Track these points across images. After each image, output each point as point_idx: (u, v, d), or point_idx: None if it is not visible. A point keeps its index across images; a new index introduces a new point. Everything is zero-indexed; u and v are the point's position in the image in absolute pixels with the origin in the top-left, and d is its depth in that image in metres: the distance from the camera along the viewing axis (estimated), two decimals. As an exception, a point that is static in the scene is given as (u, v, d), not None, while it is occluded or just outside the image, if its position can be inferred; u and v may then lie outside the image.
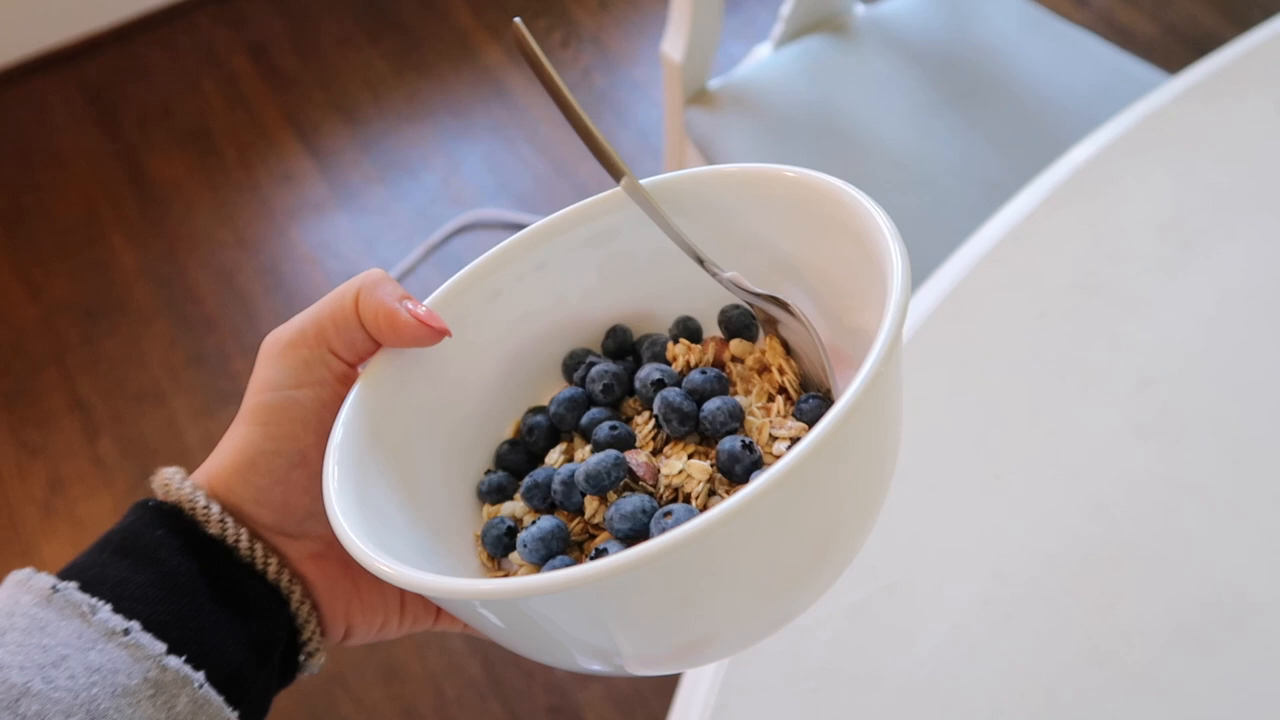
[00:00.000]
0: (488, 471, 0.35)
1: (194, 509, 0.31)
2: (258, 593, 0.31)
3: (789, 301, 0.33)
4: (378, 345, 0.33)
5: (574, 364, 0.37)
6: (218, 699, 0.28)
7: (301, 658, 0.33)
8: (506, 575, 0.32)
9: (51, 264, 1.60)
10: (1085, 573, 0.51)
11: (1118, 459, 0.54)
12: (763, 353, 0.35)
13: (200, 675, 0.28)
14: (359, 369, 0.33)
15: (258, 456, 0.31)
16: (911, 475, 0.41)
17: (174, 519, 0.31)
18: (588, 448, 0.33)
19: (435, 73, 1.79)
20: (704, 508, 0.30)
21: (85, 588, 0.28)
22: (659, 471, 0.31)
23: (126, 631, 0.27)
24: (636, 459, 0.31)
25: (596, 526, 0.31)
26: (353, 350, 0.32)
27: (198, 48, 1.86)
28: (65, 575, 0.29)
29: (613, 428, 0.33)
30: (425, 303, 0.34)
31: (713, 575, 0.25)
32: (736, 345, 0.35)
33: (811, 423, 0.32)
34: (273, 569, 0.32)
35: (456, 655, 1.21)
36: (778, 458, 0.31)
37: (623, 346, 0.37)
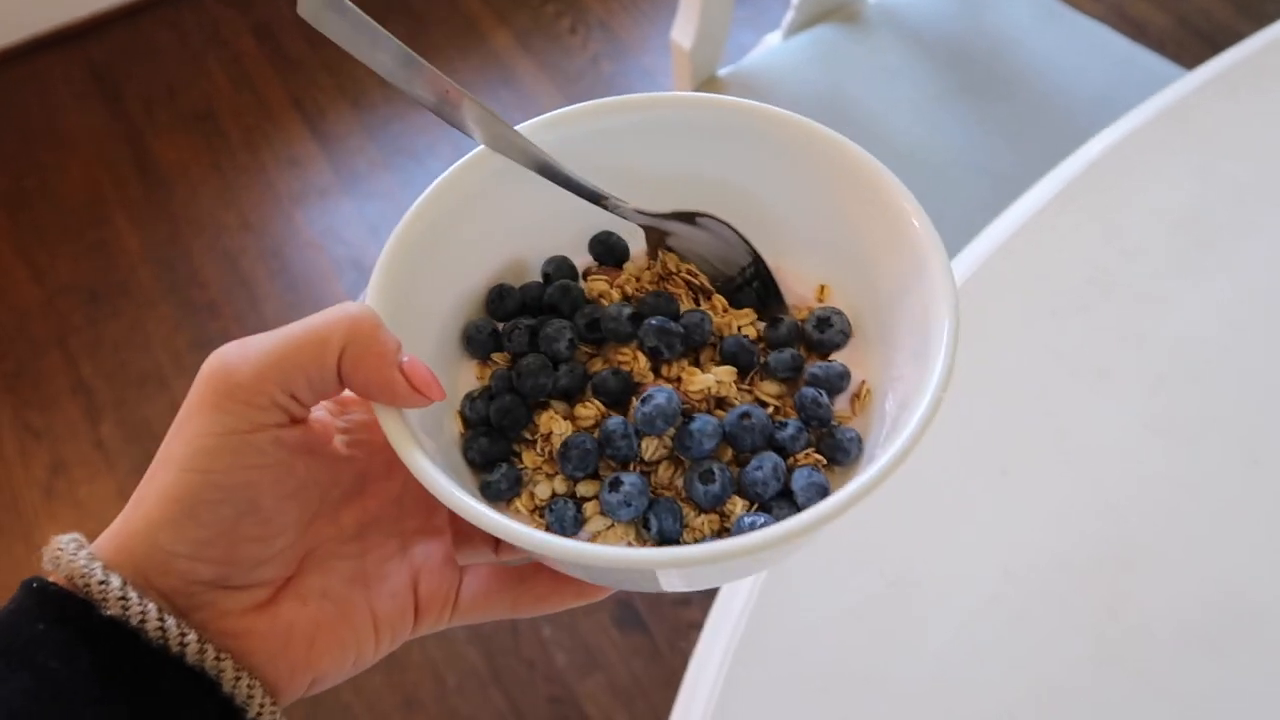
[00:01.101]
0: (488, 470, 0.33)
1: (89, 585, 0.26)
2: (173, 683, 0.26)
3: (698, 211, 0.36)
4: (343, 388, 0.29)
5: (484, 337, 0.35)
6: None
7: None
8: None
9: (55, 246, 1.59)
10: (1095, 572, 0.50)
11: (1130, 458, 0.54)
12: (655, 266, 0.37)
13: None
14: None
15: (197, 505, 0.27)
16: (921, 472, 0.40)
17: (58, 604, 0.26)
18: (585, 405, 0.33)
19: (443, 58, 1.78)
20: (741, 403, 0.33)
21: None
22: (685, 392, 0.33)
23: None
24: (664, 388, 0.33)
25: (650, 464, 0.33)
26: (317, 398, 0.28)
27: (204, 28, 1.85)
28: None
29: (614, 373, 0.34)
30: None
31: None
32: (630, 268, 0.37)
33: (753, 306, 0.36)
34: (192, 650, 0.26)
35: (457, 644, 1.21)
36: (756, 340, 0.35)
37: (520, 305, 0.36)
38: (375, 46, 0.30)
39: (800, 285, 0.37)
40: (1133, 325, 0.58)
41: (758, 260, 0.36)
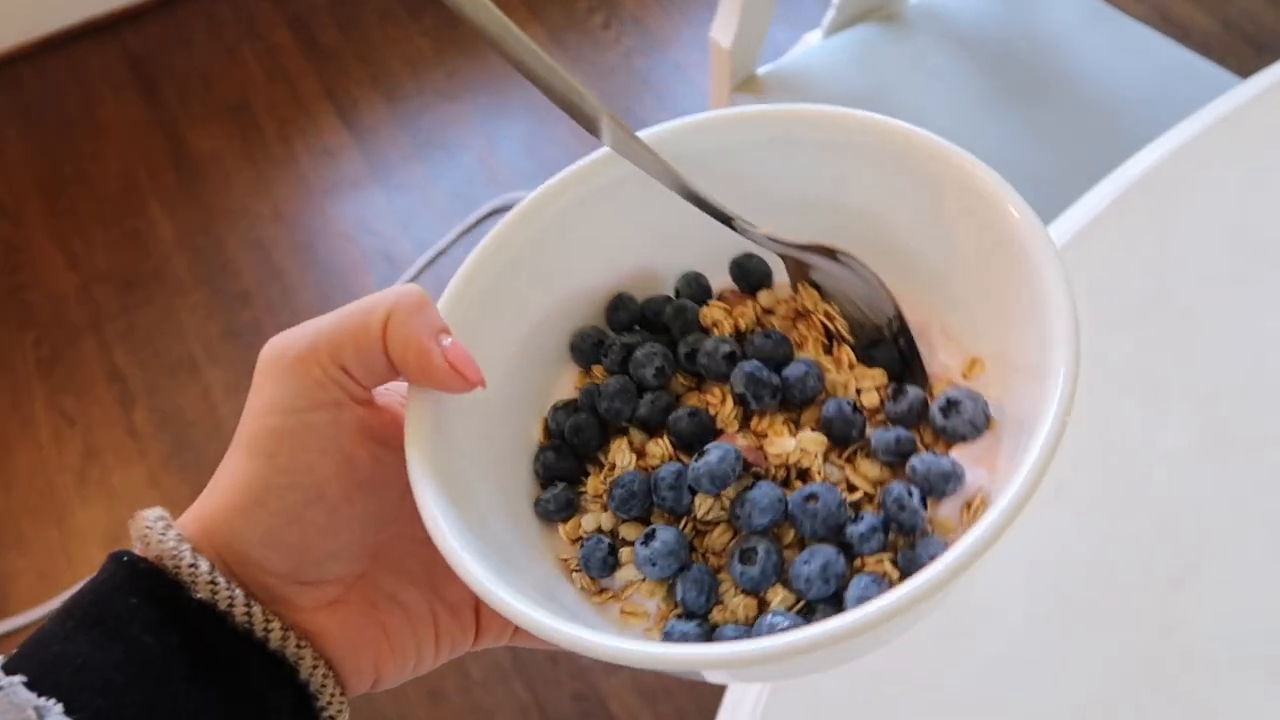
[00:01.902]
0: (544, 486, 0.32)
1: (179, 566, 0.26)
2: (256, 666, 0.27)
3: (837, 247, 0.32)
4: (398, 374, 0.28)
5: (589, 346, 0.33)
6: None
7: None
8: (613, 595, 0.30)
9: (91, 233, 1.61)
10: (1145, 591, 0.49)
11: (1182, 475, 0.53)
12: (793, 300, 0.33)
13: None
14: (375, 390, 0.30)
15: (266, 492, 0.27)
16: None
17: (150, 581, 0.26)
18: (658, 441, 0.31)
19: (475, 51, 1.78)
20: (826, 480, 0.29)
21: (39, 678, 0.24)
22: (762, 452, 0.29)
23: None
24: (740, 445, 0.29)
25: (706, 523, 0.29)
26: (370, 375, 0.28)
27: (239, 20, 1.86)
28: (23, 655, 0.25)
29: (692, 414, 0.30)
30: (439, 305, 0.29)
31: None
32: (764, 297, 0.34)
33: (886, 366, 0.31)
34: (275, 635, 0.27)
35: (483, 638, 1.21)
36: (872, 410, 0.30)
37: (634, 317, 0.34)
38: (516, 45, 0.29)
39: (950, 353, 0.31)
40: (1186, 339, 0.57)
41: (902, 314, 0.32)
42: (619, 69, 1.73)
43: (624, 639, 0.24)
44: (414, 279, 1.49)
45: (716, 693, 0.49)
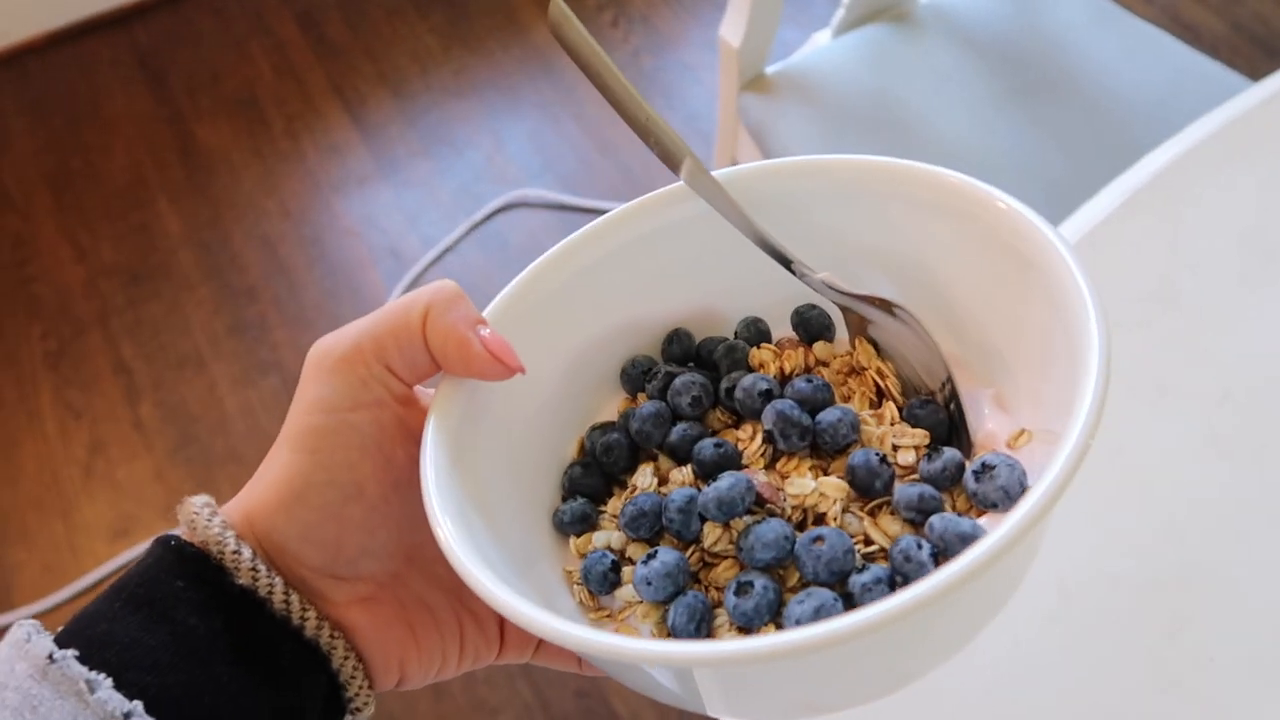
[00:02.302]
0: (565, 498, 0.32)
1: (223, 553, 0.27)
2: (292, 653, 0.28)
3: (895, 302, 0.32)
4: (440, 367, 0.29)
5: (638, 373, 0.34)
6: None
7: (347, 716, 0.30)
8: (609, 615, 0.30)
9: (98, 227, 1.61)
10: (1154, 593, 0.49)
11: (1191, 476, 0.53)
12: (849, 355, 0.33)
13: None
14: (417, 389, 0.30)
15: (307, 488, 0.28)
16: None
17: (196, 565, 0.27)
18: (681, 469, 0.31)
19: (483, 48, 1.78)
20: (843, 528, 0.28)
21: (89, 654, 0.25)
22: (780, 491, 0.29)
23: (128, 715, 0.24)
24: (757, 479, 0.29)
25: (715, 555, 0.29)
26: (413, 371, 0.29)
27: (247, 14, 1.86)
28: (72, 631, 0.26)
29: (718, 445, 0.30)
30: (485, 313, 0.30)
31: (928, 631, 0.25)
32: (820, 348, 0.33)
33: (931, 428, 0.30)
34: (311, 624, 0.28)
35: (487, 635, 1.21)
36: (906, 469, 0.29)
37: (687, 352, 0.34)
38: (599, 69, 0.30)
39: (999, 423, 0.30)
40: (1195, 340, 0.57)
41: (952, 378, 0.31)
42: (627, 68, 1.73)
43: (624, 638, 0.24)
44: (420, 276, 1.49)
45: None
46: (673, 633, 0.27)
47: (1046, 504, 0.23)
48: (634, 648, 0.23)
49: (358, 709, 0.30)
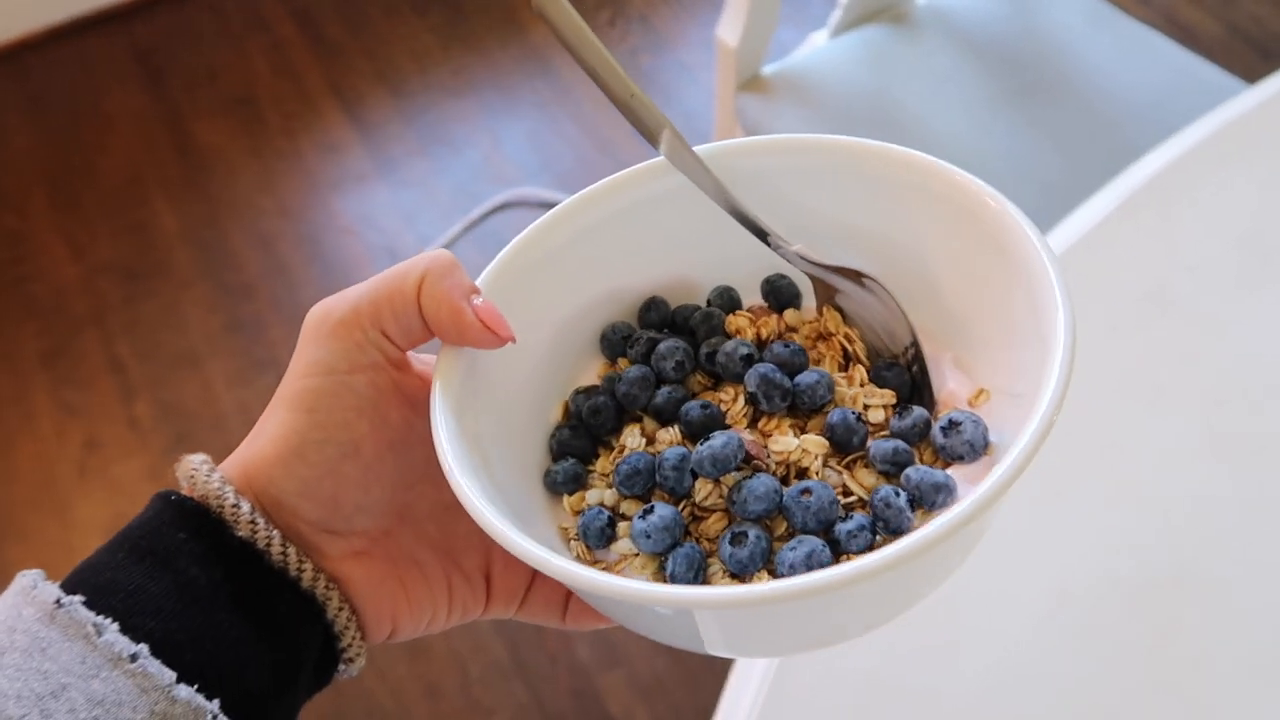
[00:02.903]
0: (555, 459, 0.34)
1: (222, 507, 0.28)
2: (288, 604, 0.29)
3: (864, 272, 0.34)
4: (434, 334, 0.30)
5: (618, 339, 0.35)
6: None
7: (340, 665, 0.31)
8: (607, 567, 0.31)
9: (94, 224, 1.61)
10: (1150, 596, 0.49)
11: (1187, 479, 0.53)
12: (817, 321, 0.35)
13: (214, 705, 0.26)
14: (410, 354, 0.31)
15: (305, 445, 0.29)
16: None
17: (197, 519, 0.28)
18: (669, 429, 0.32)
19: (481, 47, 1.78)
20: (825, 481, 0.30)
21: (94, 600, 0.26)
22: (765, 448, 0.31)
23: (134, 657, 0.25)
24: (745, 437, 0.31)
25: (704, 509, 0.31)
26: (407, 336, 0.30)
27: (245, 13, 1.86)
28: (75, 580, 0.27)
29: (704, 407, 0.32)
30: (477, 282, 0.31)
31: (919, 573, 0.27)
32: (790, 315, 0.35)
33: (897, 389, 0.33)
34: (307, 575, 0.29)
35: (481, 635, 1.21)
36: (877, 426, 0.32)
37: (663, 319, 0.36)
38: (584, 48, 0.31)
39: (959, 383, 0.33)
40: (1191, 343, 0.57)
41: (918, 342, 0.33)
42: (625, 67, 1.72)
43: (615, 577, 0.26)
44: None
45: (713, 691, 0.49)
46: (671, 579, 0.29)
47: (1024, 460, 0.25)
48: (666, 593, 0.25)
49: (350, 659, 0.31)
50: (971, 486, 0.29)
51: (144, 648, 0.25)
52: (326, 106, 1.72)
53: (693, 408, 0.32)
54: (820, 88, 1.03)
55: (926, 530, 0.24)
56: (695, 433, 0.32)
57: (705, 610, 0.26)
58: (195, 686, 0.26)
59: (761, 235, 0.34)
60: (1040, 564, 0.51)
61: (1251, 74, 1.04)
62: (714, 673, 1.15)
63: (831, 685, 0.48)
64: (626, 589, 0.25)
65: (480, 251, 1.50)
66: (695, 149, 0.33)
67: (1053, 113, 0.99)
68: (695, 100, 1.68)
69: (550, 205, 0.34)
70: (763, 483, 0.29)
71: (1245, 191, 0.63)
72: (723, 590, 0.24)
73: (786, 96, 1.03)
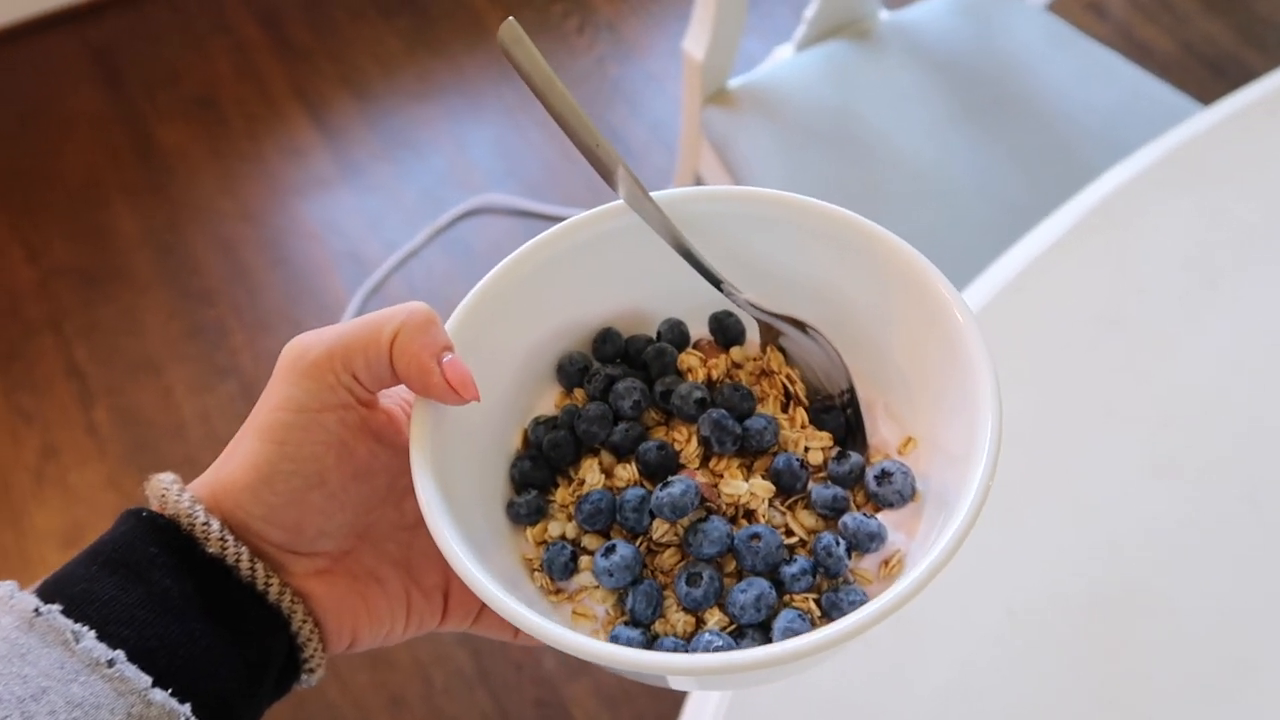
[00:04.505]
0: (518, 490, 0.35)
1: (192, 525, 0.30)
2: (256, 615, 0.30)
3: (808, 323, 0.36)
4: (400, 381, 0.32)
5: (575, 370, 0.37)
6: None
7: (302, 675, 0.32)
8: (568, 596, 0.33)
9: (51, 227, 1.58)
10: (1098, 615, 0.50)
11: (1134, 499, 0.54)
12: (760, 359, 0.37)
13: (186, 708, 0.27)
14: (380, 395, 0.33)
15: (274, 475, 0.30)
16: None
17: (168, 535, 0.30)
18: (626, 466, 0.34)
19: (448, 52, 1.77)
20: (769, 523, 0.33)
21: (70, 609, 0.27)
22: (717, 490, 0.33)
23: (111, 663, 0.26)
24: (698, 481, 0.33)
25: (660, 544, 0.33)
26: (377, 382, 0.31)
27: (207, 13, 1.83)
28: (50, 590, 0.28)
29: (660, 448, 0.34)
30: (448, 322, 0.33)
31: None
32: (736, 352, 0.38)
33: (833, 431, 0.36)
34: (274, 590, 0.31)
35: (445, 645, 1.21)
36: (816, 468, 0.35)
37: (617, 351, 0.38)
38: (549, 90, 0.33)
39: (890, 430, 0.36)
40: (1141, 364, 0.59)
41: (854, 389, 0.36)
42: (592, 75, 1.73)
43: (581, 636, 0.28)
44: (383, 281, 1.48)
45: (676, 700, 0.50)
46: (632, 616, 0.32)
47: (946, 557, 0.28)
48: (645, 660, 0.27)
49: (311, 669, 0.32)
50: (898, 531, 0.33)
51: (120, 654, 0.26)
52: (290, 110, 1.70)
53: (650, 449, 0.34)
54: (785, 103, 1.04)
55: (867, 610, 0.27)
56: (652, 471, 0.34)
57: (674, 676, 0.29)
58: (169, 690, 0.27)
59: (715, 282, 0.36)
60: (989, 583, 0.52)
61: (1205, 92, 1.06)
62: (677, 681, 1.15)
63: (790, 701, 0.49)
64: (615, 655, 0.27)
65: (447, 257, 1.50)
66: (653, 194, 0.35)
67: (1013, 130, 1.01)
68: (662, 110, 1.68)
69: (516, 212, 0.35)
70: (716, 527, 0.32)
71: (1192, 214, 0.65)
72: (686, 658, 0.27)
73: (752, 111, 1.04)
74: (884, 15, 1.11)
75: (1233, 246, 0.63)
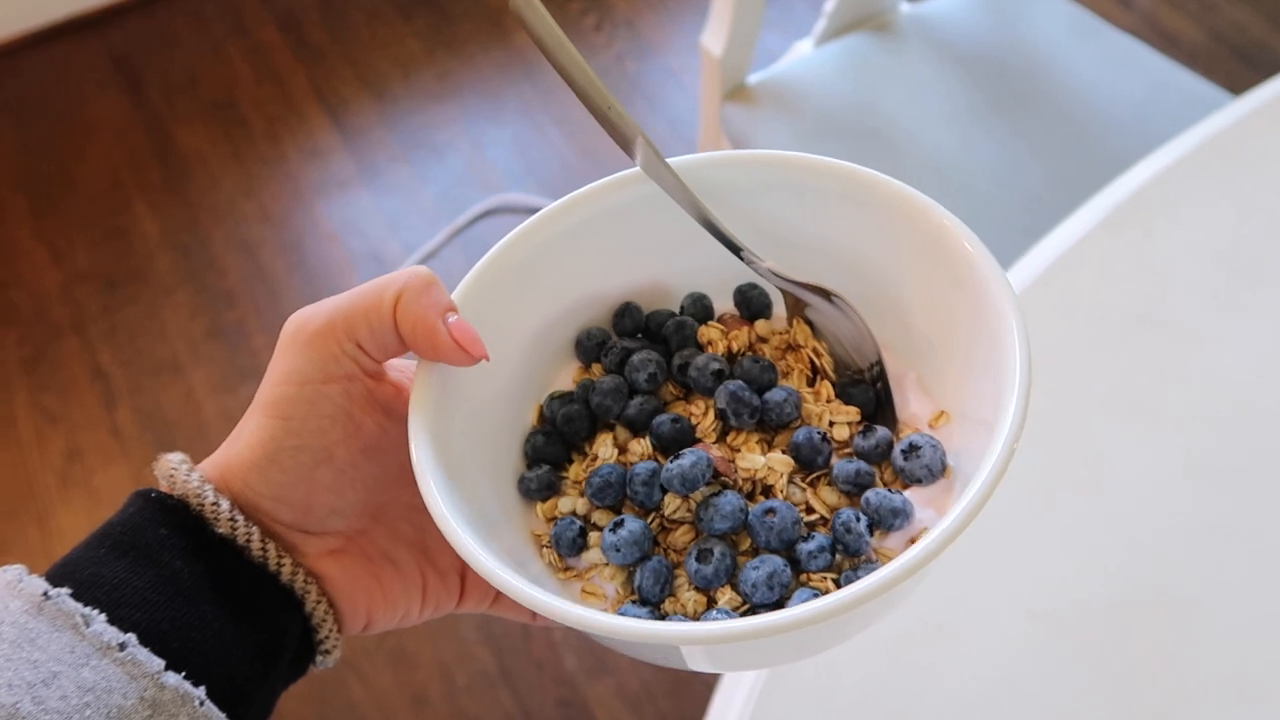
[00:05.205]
0: (530, 465, 0.34)
1: (201, 505, 0.29)
2: (269, 596, 0.30)
3: (834, 291, 0.34)
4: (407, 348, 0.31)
5: (593, 345, 0.36)
6: (219, 715, 0.27)
7: (318, 656, 0.32)
8: (577, 574, 0.32)
9: (74, 231, 1.59)
10: (1124, 617, 0.49)
11: (1165, 499, 0.53)
12: (787, 333, 0.36)
13: (200, 691, 0.26)
14: (386, 363, 0.32)
15: (279, 451, 0.30)
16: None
17: (178, 516, 0.29)
18: (640, 440, 0.33)
19: (466, 53, 1.77)
20: (788, 499, 0.31)
21: (80, 593, 0.27)
22: (733, 464, 0.32)
23: (123, 646, 0.26)
24: (713, 454, 0.31)
25: (672, 521, 0.32)
26: (383, 350, 0.30)
27: (226, 17, 1.84)
28: (59, 574, 0.27)
29: (675, 421, 0.32)
30: (454, 294, 0.32)
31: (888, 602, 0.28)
32: (760, 326, 0.36)
33: (861, 406, 0.34)
34: (286, 570, 0.30)
35: (467, 644, 1.21)
36: (841, 443, 0.33)
37: (637, 325, 0.36)
38: (561, 53, 0.32)
39: (921, 404, 0.34)
40: (1171, 361, 0.57)
41: (882, 361, 0.34)
42: (610, 72, 1.72)
43: (580, 607, 0.27)
44: (401, 281, 1.48)
45: (700, 700, 0.49)
46: (639, 593, 0.31)
47: (970, 514, 0.26)
48: (653, 630, 0.26)
49: (326, 651, 0.31)
50: (927, 509, 0.31)
51: (132, 637, 0.26)
52: (310, 111, 1.71)
53: (664, 422, 0.32)
54: (805, 98, 1.03)
55: (882, 573, 0.25)
56: (666, 446, 0.32)
57: (682, 644, 0.27)
58: (183, 674, 0.26)
59: (735, 249, 0.34)
60: (1015, 584, 0.51)
61: (1234, 82, 1.04)
62: (702, 683, 1.15)
63: (813, 703, 0.48)
64: (615, 626, 0.26)
65: (466, 258, 1.50)
66: (670, 160, 0.33)
67: (1036, 123, 0.99)
68: (681, 106, 1.67)
69: (536, 211, 0.34)
70: (729, 501, 0.30)
71: (1224, 207, 0.63)
72: (689, 627, 0.26)
73: (771, 106, 1.03)
74: (904, 8, 1.10)
75: (1265, 240, 0.62)
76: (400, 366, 0.33)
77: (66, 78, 1.78)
